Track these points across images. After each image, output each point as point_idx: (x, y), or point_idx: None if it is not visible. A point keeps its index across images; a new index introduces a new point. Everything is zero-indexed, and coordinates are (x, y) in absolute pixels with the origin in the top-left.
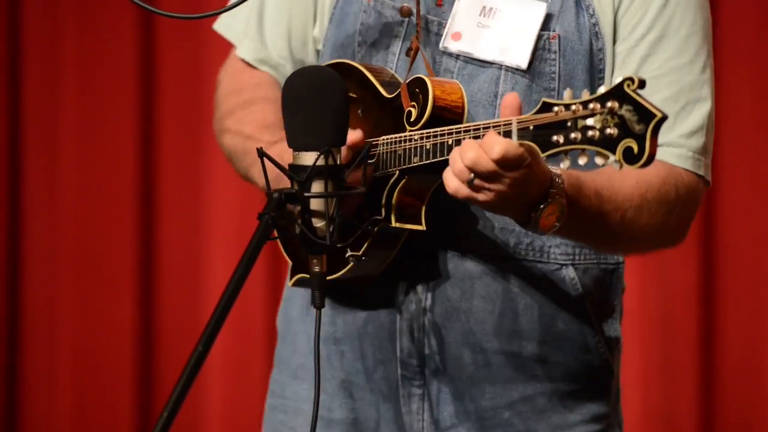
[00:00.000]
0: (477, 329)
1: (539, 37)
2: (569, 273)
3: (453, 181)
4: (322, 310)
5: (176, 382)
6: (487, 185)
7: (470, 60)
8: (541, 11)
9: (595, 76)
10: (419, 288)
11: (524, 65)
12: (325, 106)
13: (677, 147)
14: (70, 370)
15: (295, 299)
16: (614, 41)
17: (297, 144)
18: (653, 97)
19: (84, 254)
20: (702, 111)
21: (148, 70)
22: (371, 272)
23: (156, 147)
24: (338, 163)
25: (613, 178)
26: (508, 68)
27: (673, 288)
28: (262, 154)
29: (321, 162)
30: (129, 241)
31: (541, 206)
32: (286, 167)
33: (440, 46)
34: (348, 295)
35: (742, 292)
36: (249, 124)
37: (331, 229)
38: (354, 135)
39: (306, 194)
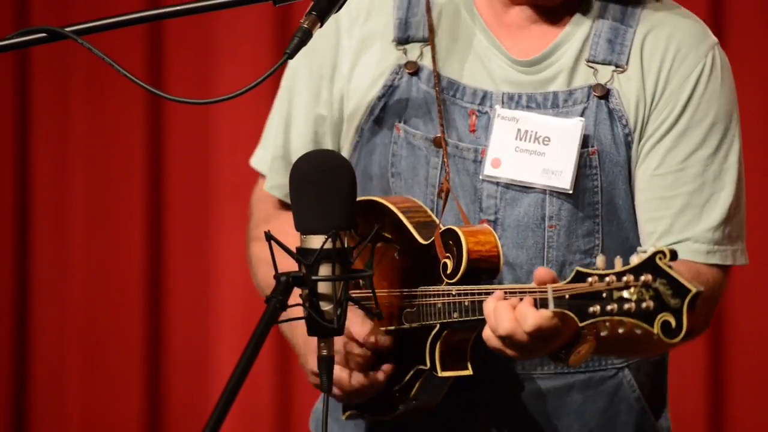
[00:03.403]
0: None
1: (580, 155)
2: (626, 375)
3: (485, 331)
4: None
5: None
6: (518, 346)
7: (512, 185)
8: (578, 129)
9: (633, 185)
10: (483, 416)
11: (570, 188)
12: (332, 190)
13: (703, 243)
14: None
15: (348, 429)
16: (640, 139)
17: (304, 227)
18: (679, 189)
19: (92, 335)
20: (725, 201)
21: (157, 151)
22: (423, 409)
23: (164, 228)
24: (345, 246)
25: None
26: (552, 192)
27: (681, 370)
28: (269, 237)
29: (329, 245)
30: (137, 324)
31: (572, 347)
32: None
33: (480, 175)
34: (408, 423)
35: (752, 372)
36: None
37: (338, 312)
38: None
39: (313, 277)
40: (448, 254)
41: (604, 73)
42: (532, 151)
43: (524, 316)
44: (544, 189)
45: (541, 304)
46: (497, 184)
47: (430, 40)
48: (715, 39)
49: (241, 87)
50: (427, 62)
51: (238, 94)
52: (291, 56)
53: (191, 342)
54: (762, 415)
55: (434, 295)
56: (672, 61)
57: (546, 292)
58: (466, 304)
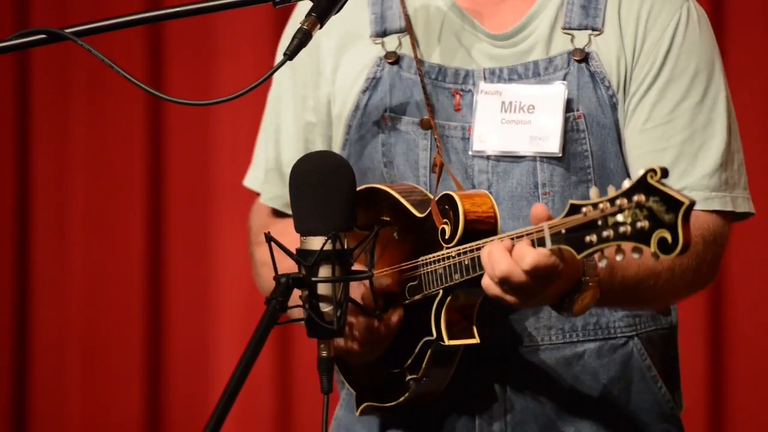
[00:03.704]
0: (561, 418)
1: (566, 120)
2: (636, 344)
3: (484, 279)
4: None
5: None
6: (517, 289)
7: (502, 157)
8: (561, 93)
9: (624, 145)
10: (495, 389)
11: (558, 152)
12: (332, 191)
13: (700, 190)
14: None
15: (359, 425)
16: (624, 99)
17: (304, 229)
18: (670, 141)
19: (92, 335)
20: (718, 147)
21: (157, 151)
22: (434, 390)
23: (164, 228)
24: (345, 247)
25: None
26: (542, 158)
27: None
28: (269, 239)
29: (328, 246)
30: (137, 324)
31: (575, 295)
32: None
33: (470, 151)
34: (416, 411)
35: (752, 372)
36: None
37: (338, 313)
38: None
39: (313, 279)
40: (445, 220)
41: (581, 38)
42: (519, 121)
43: (522, 255)
44: (534, 157)
45: (538, 243)
46: (487, 158)
47: (407, 29)
48: None
49: (241, 88)
50: (406, 51)
51: (238, 95)
52: (291, 57)
53: (191, 342)
54: (762, 415)
55: (434, 262)
56: (647, 17)
57: (542, 231)
58: (466, 262)
